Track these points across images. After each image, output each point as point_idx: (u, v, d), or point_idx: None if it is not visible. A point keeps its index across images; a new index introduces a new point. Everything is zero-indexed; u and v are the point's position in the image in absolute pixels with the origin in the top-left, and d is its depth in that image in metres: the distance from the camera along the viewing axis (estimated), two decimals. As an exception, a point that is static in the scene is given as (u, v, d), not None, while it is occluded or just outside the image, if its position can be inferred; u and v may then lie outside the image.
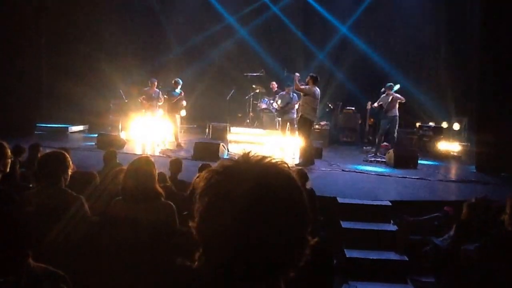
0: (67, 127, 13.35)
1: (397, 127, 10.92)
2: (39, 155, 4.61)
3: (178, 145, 11.00)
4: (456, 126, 12.64)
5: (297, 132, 10.05)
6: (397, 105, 10.75)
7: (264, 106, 13.35)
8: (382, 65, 13.96)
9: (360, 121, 13.64)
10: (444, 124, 12.94)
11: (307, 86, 9.27)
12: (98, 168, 5.96)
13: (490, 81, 9.90)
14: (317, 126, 12.17)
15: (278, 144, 11.18)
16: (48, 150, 3.92)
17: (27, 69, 12.02)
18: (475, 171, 9.91)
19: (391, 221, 6.36)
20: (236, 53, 14.98)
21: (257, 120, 13.65)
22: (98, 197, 3.76)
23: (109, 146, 8.25)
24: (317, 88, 9.34)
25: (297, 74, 9.52)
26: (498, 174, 9.35)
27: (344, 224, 6.22)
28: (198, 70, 14.67)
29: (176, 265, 1.09)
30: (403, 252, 5.76)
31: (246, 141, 12.11)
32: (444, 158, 11.54)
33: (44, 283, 1.86)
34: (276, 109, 12.38)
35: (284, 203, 0.97)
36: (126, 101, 13.25)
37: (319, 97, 9.48)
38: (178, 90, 11.21)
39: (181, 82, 11.28)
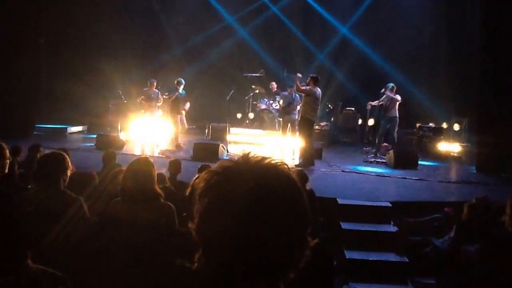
0: (66, 128, 13.34)
1: (397, 128, 10.91)
2: (38, 156, 4.60)
3: (178, 145, 10.98)
4: (456, 127, 12.62)
5: (297, 133, 10.05)
6: (397, 106, 10.75)
7: (263, 106, 13.34)
8: (382, 65, 13.97)
9: (360, 122, 13.63)
10: (444, 125, 12.93)
11: (307, 87, 9.27)
12: (97, 169, 5.95)
13: (490, 81, 9.90)
14: (317, 127, 12.16)
15: (277, 145, 11.18)
16: (47, 151, 3.91)
17: (27, 70, 12.01)
18: (475, 171, 9.91)
19: (391, 222, 6.35)
20: (236, 53, 14.98)
21: (257, 120, 13.64)
22: (97, 198, 3.75)
23: (108, 146, 8.24)
24: (318, 89, 9.33)
25: (299, 74, 9.51)
26: (498, 174, 9.34)
27: (344, 225, 6.21)
28: (198, 70, 14.66)
29: (176, 266, 1.08)
30: (403, 253, 5.76)
31: (245, 141, 12.10)
32: (444, 158, 11.52)
33: (43, 284, 1.85)
34: (277, 109, 12.38)
35: (284, 204, 0.97)
36: (125, 101, 13.24)
37: (320, 97, 9.48)
38: (182, 91, 11.17)
39: (183, 82, 11.24)
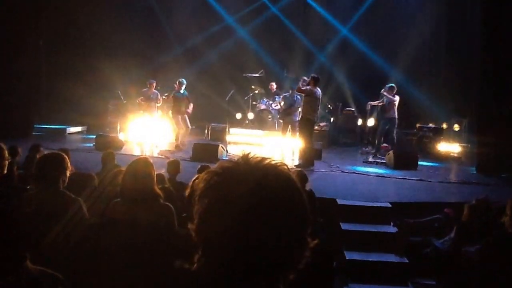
0: (65, 128, 13.33)
1: (396, 128, 10.90)
2: (38, 156, 4.59)
3: (177, 146, 10.97)
4: (456, 127, 12.63)
5: (298, 134, 10.04)
6: (396, 106, 10.74)
7: (263, 107, 13.33)
8: (382, 65, 13.97)
9: (360, 122, 13.62)
10: (444, 125, 12.92)
11: (308, 87, 9.26)
12: (96, 169, 5.94)
13: (490, 81, 9.90)
14: (316, 127, 12.15)
15: (277, 145, 11.17)
16: (47, 151, 3.90)
17: (27, 70, 12.01)
18: (475, 172, 9.90)
19: (391, 222, 6.34)
20: (236, 53, 14.98)
21: (257, 121, 13.63)
22: (97, 199, 3.75)
23: (108, 147, 8.23)
24: (318, 89, 9.32)
25: (305, 78, 9.56)
26: (499, 175, 9.33)
27: (344, 226, 6.20)
28: (197, 70, 14.65)
29: (175, 267, 1.08)
30: (403, 254, 5.74)
31: (245, 142, 12.09)
32: (444, 159, 11.52)
33: (43, 285, 1.85)
34: (277, 109, 12.37)
35: (284, 204, 0.97)
36: (125, 102, 13.24)
37: (320, 97, 9.47)
38: (183, 91, 11.15)
39: (185, 82, 11.22)
